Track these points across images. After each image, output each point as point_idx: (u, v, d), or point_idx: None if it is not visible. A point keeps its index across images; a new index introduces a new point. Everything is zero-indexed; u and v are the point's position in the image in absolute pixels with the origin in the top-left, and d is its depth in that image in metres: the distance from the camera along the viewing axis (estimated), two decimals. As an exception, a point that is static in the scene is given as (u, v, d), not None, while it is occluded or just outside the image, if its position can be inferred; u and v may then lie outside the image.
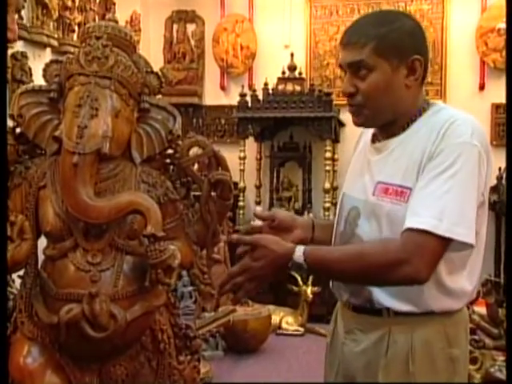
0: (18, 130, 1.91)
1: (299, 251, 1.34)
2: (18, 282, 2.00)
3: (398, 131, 1.43)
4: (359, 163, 1.54)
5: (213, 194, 1.95)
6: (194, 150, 2.01)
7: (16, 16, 3.60)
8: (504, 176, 4.52)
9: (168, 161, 2.01)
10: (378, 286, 1.38)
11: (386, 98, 1.39)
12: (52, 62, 1.96)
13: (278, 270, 1.36)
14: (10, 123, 1.89)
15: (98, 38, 1.85)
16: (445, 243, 1.28)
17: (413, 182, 1.34)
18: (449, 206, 1.27)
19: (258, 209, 1.57)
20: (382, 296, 1.39)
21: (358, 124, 1.46)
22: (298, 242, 1.45)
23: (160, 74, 2.07)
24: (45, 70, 1.94)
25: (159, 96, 2.10)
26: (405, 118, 1.43)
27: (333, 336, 1.58)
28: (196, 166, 2.09)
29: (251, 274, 1.34)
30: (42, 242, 1.89)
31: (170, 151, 1.99)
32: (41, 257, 1.88)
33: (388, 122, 1.43)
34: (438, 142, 1.32)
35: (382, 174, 1.41)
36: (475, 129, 1.34)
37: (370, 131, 1.55)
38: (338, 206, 1.57)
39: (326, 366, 1.59)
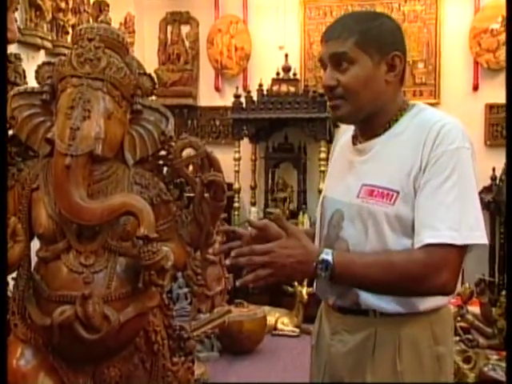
0: (10, 132, 1.91)
1: (328, 250, 1.30)
2: (12, 284, 2.00)
3: (379, 132, 1.44)
4: (340, 165, 1.54)
5: (206, 195, 1.95)
6: (187, 152, 2.01)
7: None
8: (498, 176, 4.54)
9: (161, 162, 2.01)
10: (402, 296, 1.36)
11: (366, 92, 1.40)
12: (44, 63, 1.96)
13: (299, 265, 1.28)
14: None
15: (90, 40, 1.85)
16: (465, 250, 1.31)
17: (401, 187, 1.35)
18: (462, 214, 1.29)
19: (251, 220, 1.45)
20: (369, 298, 1.39)
21: (337, 118, 1.46)
22: None
23: (153, 75, 2.07)
24: (37, 72, 1.94)
25: (152, 97, 2.10)
26: (385, 117, 1.43)
27: (318, 338, 1.58)
28: (191, 168, 2.09)
29: (272, 258, 1.26)
30: (35, 245, 1.89)
31: (162, 153, 1.99)
32: (34, 259, 1.88)
33: (367, 118, 1.44)
34: (429, 149, 1.33)
35: (367, 176, 1.41)
36: (463, 131, 1.36)
37: (348, 133, 1.56)
38: (319, 210, 1.57)
39: (313, 368, 1.59)
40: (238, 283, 1.32)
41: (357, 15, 1.51)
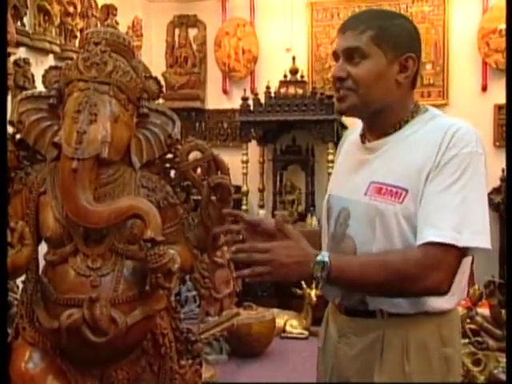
0: (18, 137, 1.92)
1: (325, 252, 1.33)
2: (21, 287, 2.01)
3: (390, 131, 1.44)
4: (347, 164, 1.54)
5: (213, 197, 1.96)
6: (194, 154, 2.01)
7: (18, 23, 3.63)
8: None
9: (168, 165, 2.01)
10: (397, 297, 1.37)
11: (375, 88, 1.40)
12: (51, 68, 1.97)
13: (297, 266, 1.30)
14: (9, 130, 1.90)
15: (96, 44, 1.86)
16: (464, 252, 1.31)
17: (410, 185, 1.34)
18: (467, 216, 1.29)
19: (243, 214, 1.50)
20: (376, 298, 1.39)
21: (342, 110, 1.46)
22: None
23: (160, 78, 2.08)
24: (44, 77, 1.95)
25: (160, 101, 2.10)
26: (393, 117, 1.43)
27: (325, 341, 1.57)
28: (199, 171, 2.10)
29: (271, 256, 1.28)
30: (43, 248, 1.90)
31: (169, 156, 1.99)
32: (42, 262, 1.89)
33: (373, 115, 1.44)
34: (443, 150, 1.33)
35: (376, 173, 1.41)
36: (477, 136, 1.36)
37: (355, 133, 1.56)
38: (325, 208, 1.57)
39: (320, 371, 1.59)
40: (234, 274, 1.34)
41: (378, 11, 1.53)
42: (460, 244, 1.27)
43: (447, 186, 1.31)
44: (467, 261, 1.39)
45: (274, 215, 5.03)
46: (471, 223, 1.29)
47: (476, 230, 1.29)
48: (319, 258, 1.30)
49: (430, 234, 1.29)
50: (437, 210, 1.30)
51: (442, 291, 1.32)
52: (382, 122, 1.44)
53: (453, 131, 1.34)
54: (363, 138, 1.51)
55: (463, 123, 1.38)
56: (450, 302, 1.39)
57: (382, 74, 1.40)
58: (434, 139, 1.35)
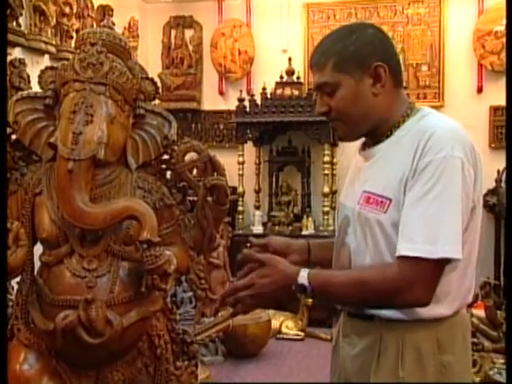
0: (13, 137, 1.92)
1: (304, 273, 1.34)
2: (16, 288, 2.00)
3: (382, 138, 1.43)
4: (352, 171, 1.56)
5: (209, 198, 1.95)
6: (191, 155, 2.01)
7: (14, 23, 3.62)
8: (503, 178, 4.52)
9: (164, 166, 2.01)
10: (378, 309, 1.39)
11: (355, 110, 1.40)
12: (47, 68, 1.97)
13: (281, 290, 1.35)
14: (5, 130, 1.90)
15: (92, 45, 1.86)
16: (441, 263, 1.29)
17: (394, 194, 1.34)
18: (440, 227, 1.28)
19: (252, 238, 1.58)
20: None
21: (340, 139, 1.51)
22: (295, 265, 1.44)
23: (156, 79, 2.08)
24: (40, 77, 1.95)
25: (156, 102, 2.10)
26: (387, 124, 1.42)
27: (336, 340, 1.58)
28: (195, 172, 2.10)
29: (255, 290, 1.34)
30: (39, 249, 1.89)
31: (165, 157, 1.99)
32: (37, 263, 1.88)
33: (368, 131, 1.44)
34: (418, 157, 1.31)
35: (368, 182, 1.41)
36: (456, 139, 1.32)
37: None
38: (337, 215, 1.58)
39: (331, 370, 1.60)
40: (231, 315, 1.42)
41: (333, 35, 1.47)
42: (434, 256, 1.26)
43: (422, 196, 1.29)
44: (468, 265, 1.38)
45: (269, 216, 5.04)
46: (444, 234, 1.27)
47: (449, 241, 1.28)
48: (299, 280, 1.33)
49: (403, 247, 1.29)
50: (411, 222, 1.29)
51: (423, 303, 1.31)
52: (378, 131, 1.44)
53: (428, 136, 1.31)
54: (364, 144, 1.52)
55: (444, 125, 1.35)
56: (449, 308, 1.38)
57: (356, 95, 1.39)
58: (412, 145, 1.33)
